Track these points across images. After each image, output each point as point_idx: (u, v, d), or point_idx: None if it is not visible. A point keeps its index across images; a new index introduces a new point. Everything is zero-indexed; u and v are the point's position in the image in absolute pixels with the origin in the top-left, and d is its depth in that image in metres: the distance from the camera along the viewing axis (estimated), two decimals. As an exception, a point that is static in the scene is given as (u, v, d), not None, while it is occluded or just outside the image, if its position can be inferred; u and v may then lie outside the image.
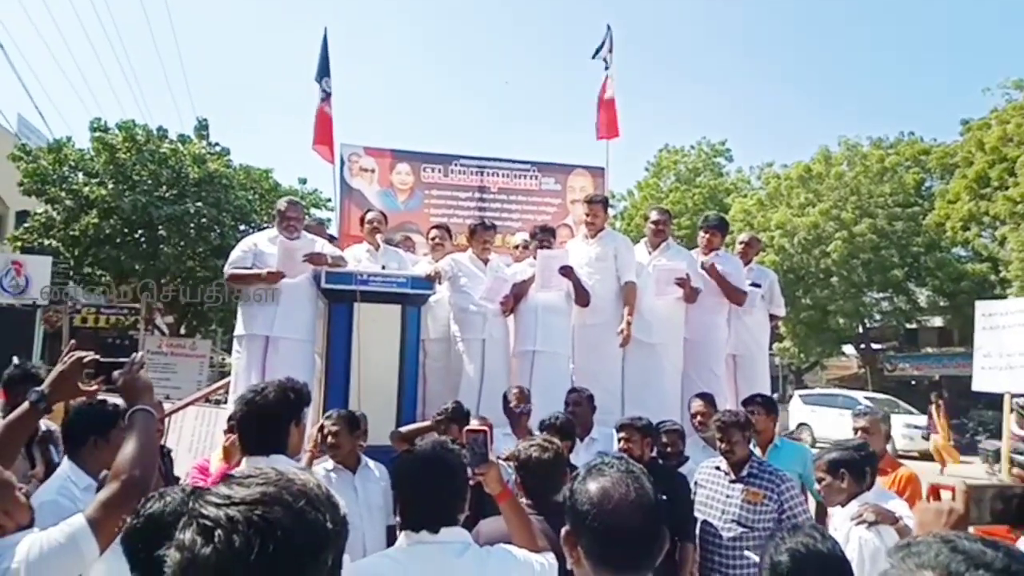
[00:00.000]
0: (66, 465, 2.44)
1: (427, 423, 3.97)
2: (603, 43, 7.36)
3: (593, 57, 7.42)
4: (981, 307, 7.63)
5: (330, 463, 3.46)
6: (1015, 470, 7.52)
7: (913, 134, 24.49)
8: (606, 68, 7.35)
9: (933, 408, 14.36)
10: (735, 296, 5.25)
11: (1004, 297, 16.34)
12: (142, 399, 1.81)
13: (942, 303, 22.71)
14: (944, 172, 22.16)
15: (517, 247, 5.68)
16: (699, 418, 4.26)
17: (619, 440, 3.59)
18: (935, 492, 4.63)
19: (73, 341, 2.24)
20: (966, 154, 19.69)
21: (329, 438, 3.41)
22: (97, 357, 1.94)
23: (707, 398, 4.41)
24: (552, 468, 2.49)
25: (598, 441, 4.17)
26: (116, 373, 1.85)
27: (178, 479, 3.78)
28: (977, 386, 7.30)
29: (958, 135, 21.56)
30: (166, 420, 6.15)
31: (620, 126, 7.33)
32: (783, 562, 1.63)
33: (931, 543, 0.91)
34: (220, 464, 3.59)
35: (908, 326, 25.44)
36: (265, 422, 2.23)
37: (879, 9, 58.24)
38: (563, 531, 1.32)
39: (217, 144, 17.05)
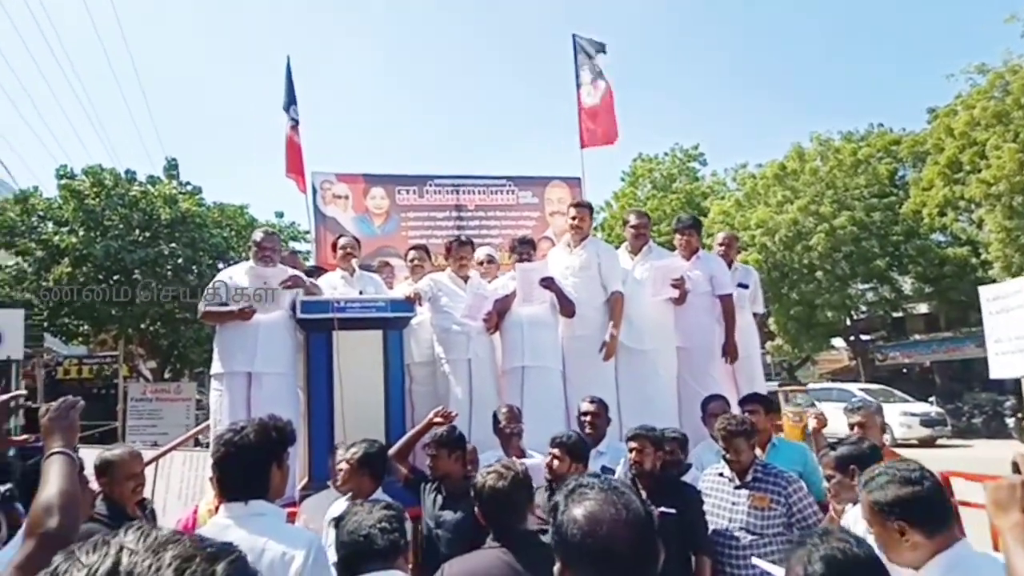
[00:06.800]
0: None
1: (413, 431, 3.78)
2: (575, 53, 7.28)
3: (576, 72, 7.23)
4: (985, 292, 7.55)
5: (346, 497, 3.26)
6: None
7: (882, 125, 24.91)
8: (577, 76, 7.26)
9: None
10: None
11: (987, 279, 16.42)
12: (62, 440, 1.57)
13: (927, 289, 22.84)
14: (916, 160, 22.38)
15: (481, 263, 5.47)
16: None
17: (631, 451, 3.39)
18: (946, 480, 4.49)
19: None
20: (936, 141, 19.89)
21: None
22: (23, 394, 1.72)
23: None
24: (512, 496, 2.29)
25: (606, 454, 3.97)
26: (43, 409, 1.60)
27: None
28: (995, 373, 7.19)
29: (926, 123, 21.86)
30: (153, 466, 5.97)
31: (605, 133, 7.12)
32: (818, 571, 1.48)
33: None
34: (208, 512, 3.38)
35: (895, 314, 25.54)
36: (245, 465, 2.01)
37: (835, 4, 59.25)
38: (555, 568, 1.21)
39: (188, 183, 16.87)
